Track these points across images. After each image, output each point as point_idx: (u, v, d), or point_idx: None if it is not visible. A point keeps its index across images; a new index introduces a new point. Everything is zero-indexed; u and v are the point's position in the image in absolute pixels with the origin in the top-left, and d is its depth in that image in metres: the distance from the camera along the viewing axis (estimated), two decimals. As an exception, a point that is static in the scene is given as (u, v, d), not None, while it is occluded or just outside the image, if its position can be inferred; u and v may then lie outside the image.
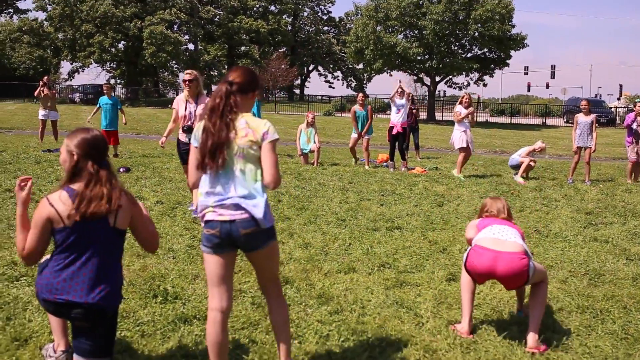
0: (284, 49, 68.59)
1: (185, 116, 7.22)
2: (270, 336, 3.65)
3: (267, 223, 3.02)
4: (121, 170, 10.60)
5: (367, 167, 12.81)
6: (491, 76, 44.85)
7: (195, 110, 7.15)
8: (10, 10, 59.72)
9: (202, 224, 3.09)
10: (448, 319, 4.16)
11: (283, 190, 9.15)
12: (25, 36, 53.70)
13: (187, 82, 7.22)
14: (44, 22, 55.42)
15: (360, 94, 14.14)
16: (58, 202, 2.85)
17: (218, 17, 61.42)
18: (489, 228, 4.03)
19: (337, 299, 4.47)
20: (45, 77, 15.44)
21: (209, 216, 3.02)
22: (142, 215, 3.10)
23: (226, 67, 62.85)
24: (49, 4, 53.97)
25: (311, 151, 13.21)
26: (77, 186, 2.87)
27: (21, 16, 58.46)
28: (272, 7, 67.15)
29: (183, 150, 7.21)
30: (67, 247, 2.90)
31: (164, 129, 25.46)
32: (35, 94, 14.96)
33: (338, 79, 78.80)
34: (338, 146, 18.99)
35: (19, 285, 4.50)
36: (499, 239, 3.86)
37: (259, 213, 2.97)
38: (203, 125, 3.07)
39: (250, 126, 3.04)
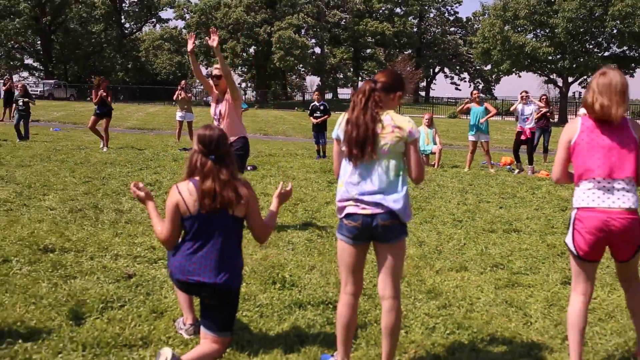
0: (410, 51, 68.30)
1: (214, 117, 6.63)
2: (378, 325, 3.83)
3: (406, 217, 3.20)
4: (249, 168, 11.25)
5: (491, 170, 12.57)
6: (631, 76, 42.01)
7: (222, 110, 6.49)
8: (153, 20, 64.50)
9: (340, 215, 3.25)
10: (558, 321, 4.13)
11: (401, 191, 9.29)
12: (166, 43, 57.83)
13: (214, 78, 6.53)
14: (183, 29, 59.31)
15: (475, 91, 13.79)
16: (185, 192, 3.25)
17: (344, 20, 62.43)
18: None
19: (446, 295, 4.59)
20: (183, 82, 16.65)
21: (351, 209, 3.18)
22: (256, 207, 3.43)
23: (352, 69, 63.73)
24: (187, 13, 57.67)
25: (432, 153, 13.22)
26: (200, 177, 3.27)
27: (163, 25, 62.98)
28: (398, 10, 67.13)
29: None
30: (195, 234, 3.30)
31: (290, 130, 26.27)
32: (174, 97, 16.19)
33: (465, 81, 77.18)
34: (461, 149, 18.76)
35: (157, 267, 5.04)
36: None
37: (398, 207, 3.15)
38: (346, 118, 3.25)
39: (395, 122, 3.19)
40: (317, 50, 60.91)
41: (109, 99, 13.71)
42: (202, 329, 3.41)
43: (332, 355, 3.37)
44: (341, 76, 60.71)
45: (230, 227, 3.33)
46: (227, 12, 53.23)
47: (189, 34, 6.85)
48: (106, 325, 3.74)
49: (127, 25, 64.41)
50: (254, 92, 60.62)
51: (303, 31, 58.43)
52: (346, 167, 3.25)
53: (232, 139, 6.16)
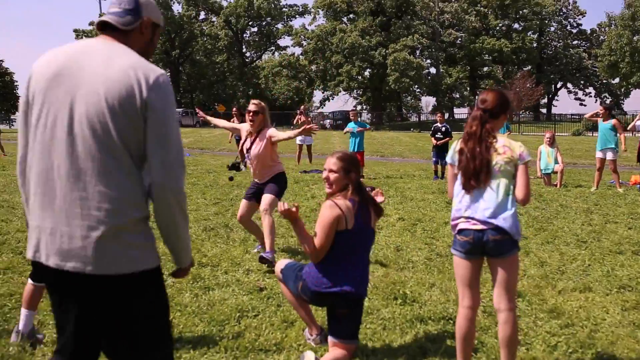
0: (529, 67, 66.09)
1: (242, 149, 6.33)
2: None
3: (516, 235, 3.35)
4: (367, 189, 11.54)
5: (619, 189, 11.94)
6: None
7: (255, 149, 6.04)
8: (272, 48, 67.31)
9: (454, 231, 3.47)
10: (691, 344, 4.00)
11: (522, 211, 9.16)
12: (284, 70, 60.04)
13: (251, 114, 6.07)
14: (300, 56, 61.42)
15: (601, 107, 12.94)
16: (345, 207, 3.52)
17: (459, 39, 61.73)
18: None
19: (569, 315, 4.56)
20: (302, 106, 17.38)
21: (463, 225, 3.39)
22: None
23: (468, 89, 62.72)
24: (304, 40, 59.66)
25: (554, 172, 12.84)
26: (353, 197, 3.56)
27: (281, 52, 65.53)
28: (516, 25, 65.34)
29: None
30: (345, 248, 3.56)
31: (407, 151, 26.22)
32: (294, 121, 16.90)
33: (590, 96, 73.34)
34: (586, 167, 17.98)
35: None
36: None
37: (507, 225, 3.31)
38: (459, 147, 3.46)
39: (508, 145, 3.40)
40: (433, 70, 60.62)
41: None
42: (330, 337, 3.67)
43: (453, 367, 3.52)
44: (457, 96, 59.96)
45: (371, 239, 3.64)
46: (342, 37, 54.48)
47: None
48: (243, 331, 4.12)
49: (247, 54, 67.74)
50: (369, 114, 61.32)
51: (418, 52, 58.49)
52: (460, 189, 3.46)
53: (267, 178, 6.06)
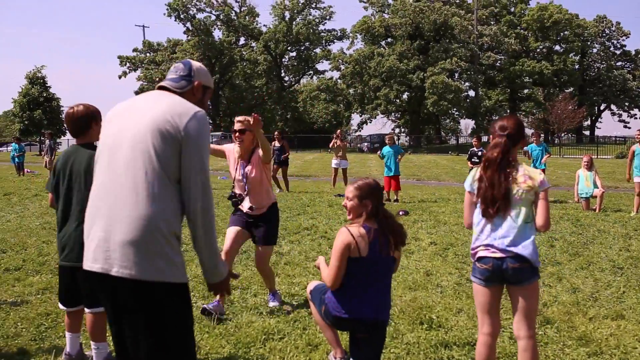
0: (571, 89, 65.07)
1: (236, 179, 5.37)
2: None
3: (535, 262, 3.36)
4: (400, 213, 11.53)
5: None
6: None
7: (251, 172, 5.25)
8: (310, 72, 68.01)
9: (473, 259, 3.51)
10: None
11: (557, 236, 9.03)
12: (322, 94, 60.54)
13: (237, 133, 5.19)
14: (338, 80, 61.89)
15: (638, 130, 12.61)
16: (357, 234, 3.56)
17: (499, 62, 61.30)
18: None
19: (598, 342, 4.49)
20: (338, 130, 17.48)
21: (482, 253, 3.43)
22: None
23: (508, 111, 62.06)
24: (342, 64, 60.14)
25: (593, 196, 12.60)
26: (369, 223, 3.60)
27: (319, 76, 66.14)
28: (557, 47, 64.60)
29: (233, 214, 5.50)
30: (360, 275, 3.59)
31: (443, 174, 26.06)
32: (330, 145, 17.02)
33: (635, 118, 71.85)
34: (628, 191, 17.54)
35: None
36: None
37: (527, 252, 3.33)
38: (479, 175, 3.49)
39: (528, 173, 3.43)
40: (471, 93, 60.23)
41: (285, 151, 15.82)
42: (352, 361, 3.71)
43: (475, 393, 3.51)
44: (497, 118, 59.31)
45: (389, 266, 3.65)
46: (380, 61, 54.73)
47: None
48: (268, 353, 4.19)
49: (286, 78, 68.52)
50: (407, 137, 61.17)
51: (456, 75, 58.25)
52: (480, 217, 3.47)
53: (263, 210, 5.33)
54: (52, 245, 7.95)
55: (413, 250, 8.04)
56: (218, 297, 4.95)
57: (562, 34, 62.88)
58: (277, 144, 16.22)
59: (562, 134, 58.53)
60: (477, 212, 3.48)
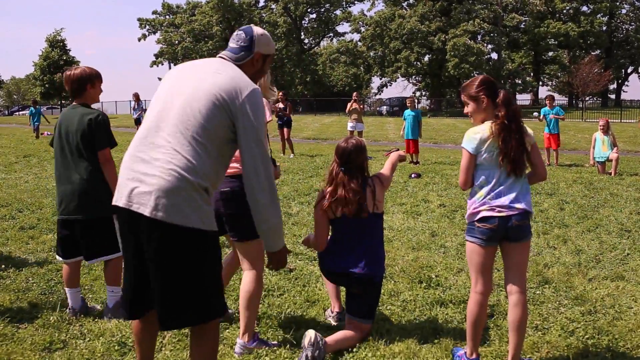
0: (597, 51, 63.52)
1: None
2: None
3: (532, 213, 3.43)
4: (412, 176, 11.55)
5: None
6: None
7: None
8: (330, 34, 67.28)
9: (473, 219, 3.45)
10: None
11: (569, 199, 9.00)
12: (342, 56, 60.01)
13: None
14: (358, 42, 61.19)
15: None
16: (328, 196, 3.72)
17: (523, 23, 59.93)
18: None
19: (594, 302, 4.52)
20: (355, 93, 17.42)
21: (486, 213, 3.40)
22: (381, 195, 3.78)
23: (531, 74, 61.03)
24: (363, 26, 59.38)
25: (609, 160, 12.47)
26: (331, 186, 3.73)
27: (339, 39, 65.45)
28: (584, 8, 62.80)
29: None
30: (340, 233, 3.73)
31: (461, 138, 25.91)
32: (347, 108, 16.97)
33: (663, 81, 69.85)
34: (648, 155, 17.31)
35: (315, 263, 5.54)
36: None
37: (529, 207, 3.39)
38: (488, 136, 3.41)
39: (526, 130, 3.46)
40: (494, 55, 59.13)
41: (287, 111, 15.34)
42: (346, 315, 3.83)
43: (463, 349, 3.59)
44: (519, 82, 58.36)
45: (371, 225, 3.71)
46: (401, 23, 53.88)
47: None
48: (266, 309, 4.30)
49: (306, 41, 67.90)
50: (428, 100, 60.56)
51: (479, 37, 57.16)
52: (488, 178, 3.42)
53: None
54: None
55: (421, 212, 8.09)
56: None
57: (589, -6, 61.11)
58: (281, 105, 16.13)
59: (587, 98, 57.43)
60: (483, 173, 3.44)
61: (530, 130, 3.47)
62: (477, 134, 3.46)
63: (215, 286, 2.61)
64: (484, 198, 3.43)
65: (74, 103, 4.17)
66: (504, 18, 57.09)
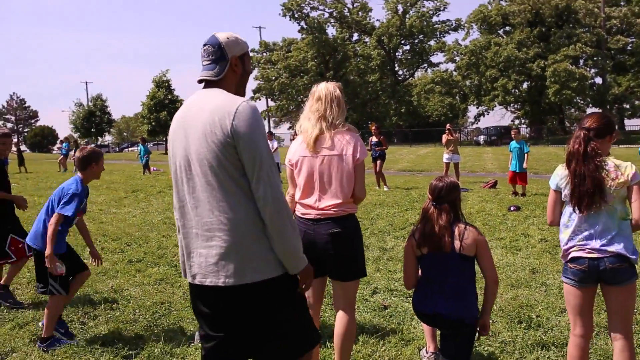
0: None
1: None
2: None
3: (635, 260, 3.23)
4: (512, 209, 11.19)
5: None
6: None
7: None
8: (425, 65, 67.05)
9: (565, 259, 3.39)
10: None
11: (684, 233, 8.39)
12: (437, 86, 59.53)
13: None
14: (453, 72, 60.56)
15: None
16: (417, 233, 3.68)
17: (630, 45, 57.04)
18: None
19: None
20: (448, 125, 17.23)
21: (576, 253, 3.31)
22: (486, 248, 3.65)
23: (640, 98, 57.79)
24: (457, 55, 58.78)
25: None
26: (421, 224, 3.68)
27: (434, 69, 65.06)
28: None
29: None
30: (427, 271, 3.68)
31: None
32: (443, 141, 16.78)
33: None
34: None
35: (408, 301, 5.49)
36: None
37: (626, 251, 3.21)
38: (565, 172, 3.37)
39: (619, 168, 3.28)
40: (598, 80, 56.51)
41: (383, 145, 15.50)
42: (441, 357, 3.75)
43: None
44: (627, 106, 55.36)
45: (457, 264, 3.62)
46: (497, 51, 52.87)
47: None
48: (360, 347, 4.29)
49: (400, 72, 68.03)
50: (528, 128, 58.64)
51: (581, 61, 54.98)
52: (571, 216, 3.34)
53: None
54: (170, 239, 8.54)
55: (521, 247, 7.82)
56: None
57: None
58: (374, 138, 16.11)
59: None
60: (568, 210, 3.36)
61: (629, 170, 3.23)
62: (559, 168, 3.39)
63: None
64: (571, 236, 3.31)
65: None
66: (608, 41, 54.63)
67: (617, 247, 3.19)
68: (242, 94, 2.68)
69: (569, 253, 3.34)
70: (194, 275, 2.51)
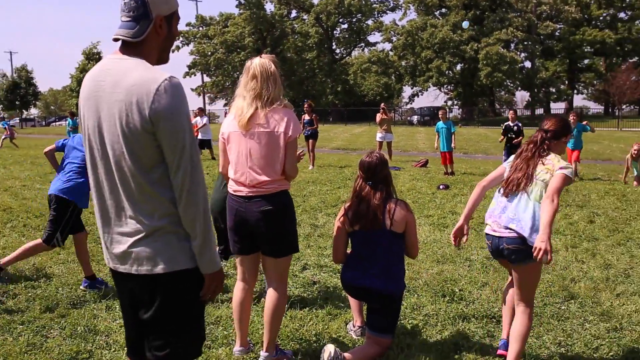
0: (635, 58, 62.14)
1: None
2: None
3: (531, 242, 3.37)
4: (441, 187, 11.48)
5: None
6: None
7: None
8: (362, 44, 67.42)
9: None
10: None
11: (600, 212, 8.84)
12: (373, 66, 60.00)
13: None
14: (389, 52, 61.16)
15: None
16: (348, 210, 3.78)
17: (558, 31, 59.10)
18: None
19: (620, 319, 4.44)
20: (382, 104, 17.44)
21: (486, 229, 3.63)
22: (413, 225, 3.76)
23: (566, 82, 60.11)
24: (394, 36, 59.36)
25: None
26: (353, 200, 3.77)
27: (371, 48, 65.51)
28: (622, 14, 61.53)
29: None
30: (357, 247, 3.77)
31: (491, 148, 25.61)
32: (377, 120, 16.96)
33: (703, 89, 67.99)
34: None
35: (337, 276, 5.56)
36: None
37: (526, 233, 3.37)
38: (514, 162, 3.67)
39: (553, 160, 3.51)
40: (527, 64, 58.39)
41: (314, 124, 15.35)
42: (367, 330, 3.84)
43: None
44: (554, 90, 57.53)
45: (388, 240, 3.71)
46: (433, 32, 53.74)
47: None
48: (288, 321, 4.33)
49: (337, 50, 68.16)
50: (460, 109, 60.11)
51: (512, 45, 56.59)
52: (497, 196, 3.62)
53: None
54: (98, 215, 8.31)
55: (448, 224, 8.04)
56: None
57: (627, 0, 59.87)
58: (307, 117, 16.06)
59: (623, 106, 56.26)
60: (498, 191, 3.61)
61: (561, 162, 3.48)
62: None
63: None
64: (489, 211, 3.56)
65: None
66: (538, 26, 56.41)
67: (517, 230, 3.41)
68: (165, 60, 2.36)
69: (485, 227, 3.62)
70: (109, 260, 2.38)
